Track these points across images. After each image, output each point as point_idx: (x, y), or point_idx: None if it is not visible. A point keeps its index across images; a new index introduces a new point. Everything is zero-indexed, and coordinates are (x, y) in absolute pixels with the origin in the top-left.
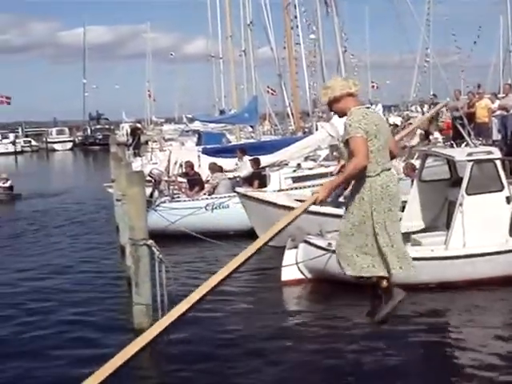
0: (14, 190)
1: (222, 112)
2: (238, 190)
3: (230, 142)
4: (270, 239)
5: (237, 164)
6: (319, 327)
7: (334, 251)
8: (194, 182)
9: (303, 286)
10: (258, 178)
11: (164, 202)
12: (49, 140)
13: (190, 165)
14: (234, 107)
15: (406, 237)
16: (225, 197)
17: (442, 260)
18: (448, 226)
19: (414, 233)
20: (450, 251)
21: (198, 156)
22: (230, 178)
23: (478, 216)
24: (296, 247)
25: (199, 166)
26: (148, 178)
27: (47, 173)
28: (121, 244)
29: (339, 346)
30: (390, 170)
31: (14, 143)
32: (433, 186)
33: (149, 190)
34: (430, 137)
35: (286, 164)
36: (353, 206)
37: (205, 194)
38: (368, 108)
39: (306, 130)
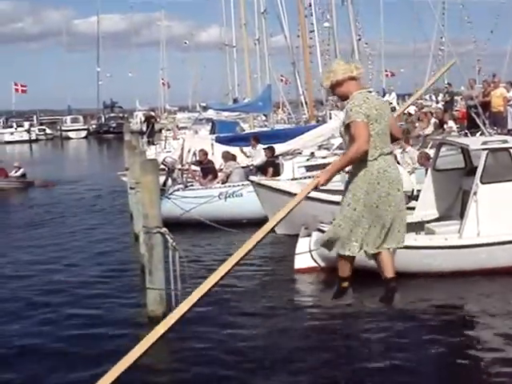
0: (26, 178)
1: (235, 100)
2: (252, 178)
3: (244, 131)
4: (274, 226)
5: (249, 152)
6: (332, 315)
7: None
8: (208, 171)
9: (316, 274)
10: (272, 167)
11: (177, 190)
12: (63, 128)
13: (203, 153)
14: (248, 96)
15: (420, 226)
16: (238, 185)
17: (456, 249)
18: (462, 215)
19: (428, 222)
20: (463, 240)
21: (212, 144)
22: (243, 167)
23: (493, 205)
24: (309, 235)
25: (212, 154)
26: (161, 167)
27: (61, 161)
28: (134, 232)
29: (351, 334)
30: (389, 154)
31: (28, 131)
32: (447, 175)
33: (162, 179)
34: (445, 126)
35: (300, 153)
36: (348, 189)
37: (218, 182)
38: (370, 92)
39: (320, 118)
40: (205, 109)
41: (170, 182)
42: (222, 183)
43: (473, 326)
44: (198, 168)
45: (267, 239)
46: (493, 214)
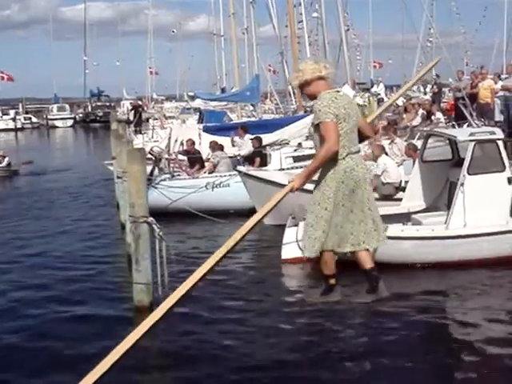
0: (11, 167)
1: (223, 90)
2: (240, 168)
3: (232, 121)
4: (247, 233)
5: (235, 141)
6: (317, 305)
7: None
8: (195, 160)
9: (303, 264)
10: (259, 157)
11: (164, 179)
12: (49, 117)
13: (191, 143)
14: (236, 85)
15: (407, 216)
16: (225, 175)
17: (443, 240)
18: (449, 206)
19: (415, 213)
20: (450, 231)
21: (199, 134)
22: (230, 157)
23: (479, 196)
24: (296, 225)
25: (200, 143)
26: (148, 156)
27: (47, 150)
28: (121, 221)
29: (337, 324)
30: (357, 153)
31: (14, 120)
32: (434, 166)
33: (149, 168)
34: (432, 117)
35: (287, 143)
36: (318, 187)
37: (205, 172)
38: (338, 92)
39: (308, 109)
40: (192, 98)
41: (156, 171)
42: (209, 173)
43: (459, 317)
44: (184, 158)
45: (255, 229)
46: (479, 205)
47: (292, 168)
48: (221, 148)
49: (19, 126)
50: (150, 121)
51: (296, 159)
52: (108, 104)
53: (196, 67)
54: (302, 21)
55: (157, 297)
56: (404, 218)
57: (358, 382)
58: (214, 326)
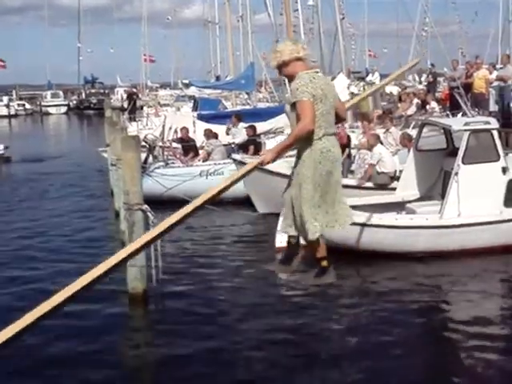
0: (4, 154)
1: (217, 78)
2: (235, 156)
3: (226, 109)
4: (213, 197)
5: (229, 129)
6: (309, 292)
7: None
8: (189, 148)
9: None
10: (254, 145)
11: (158, 167)
12: (43, 103)
13: (185, 131)
14: (231, 73)
15: (401, 205)
16: (220, 163)
17: (437, 229)
18: (443, 195)
19: (409, 202)
20: (444, 220)
21: (194, 122)
22: (225, 145)
23: (474, 186)
24: None
25: (194, 131)
26: (142, 144)
27: (41, 136)
28: (115, 209)
29: (329, 312)
30: (333, 134)
31: (7, 106)
32: (429, 155)
33: (143, 156)
34: (427, 106)
35: (282, 131)
36: (296, 168)
37: (199, 160)
38: (316, 72)
39: None
40: (187, 86)
41: (150, 159)
42: (204, 161)
43: (452, 306)
44: (179, 145)
45: (249, 218)
46: (474, 194)
47: (286, 156)
48: (215, 136)
49: (13, 112)
50: (145, 108)
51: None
52: (102, 91)
53: (191, 55)
54: (297, 9)
55: (151, 284)
56: (398, 207)
57: (350, 375)
58: (206, 317)
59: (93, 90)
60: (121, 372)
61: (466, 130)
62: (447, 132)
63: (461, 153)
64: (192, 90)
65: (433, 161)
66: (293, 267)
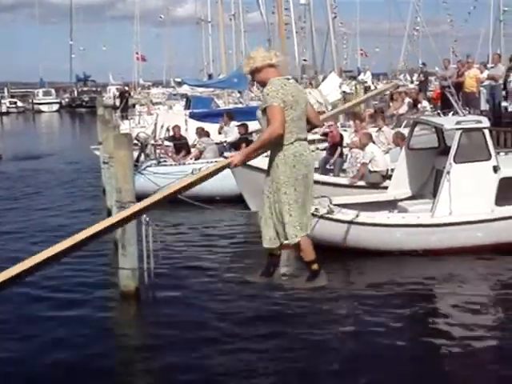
0: None
1: (210, 76)
2: (227, 154)
3: (219, 107)
4: (171, 195)
5: (222, 128)
6: (303, 295)
7: (320, 216)
8: (181, 146)
9: (288, 251)
10: (246, 144)
11: (150, 165)
12: (35, 101)
13: (177, 129)
14: (223, 72)
15: (393, 204)
16: (212, 162)
17: (428, 227)
18: (435, 194)
19: (400, 200)
20: (435, 219)
21: (186, 120)
22: (217, 143)
23: (465, 184)
24: None
25: (186, 130)
26: (135, 142)
27: (33, 134)
28: (107, 207)
29: (321, 311)
30: (304, 139)
31: None
32: (421, 154)
33: (135, 154)
34: (419, 105)
35: None
36: (270, 176)
37: (191, 158)
38: (288, 79)
39: None
40: (179, 84)
41: (142, 157)
42: (196, 159)
43: (443, 304)
44: (170, 144)
45: (244, 217)
46: (465, 193)
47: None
48: (207, 134)
49: (4, 110)
50: (137, 106)
51: None
52: (94, 89)
53: (183, 53)
54: (289, 8)
55: (143, 282)
56: (390, 205)
57: (344, 371)
58: (198, 317)
59: (85, 88)
60: (111, 373)
61: (457, 129)
62: (439, 131)
63: (452, 151)
64: (184, 89)
65: (424, 159)
66: (274, 278)
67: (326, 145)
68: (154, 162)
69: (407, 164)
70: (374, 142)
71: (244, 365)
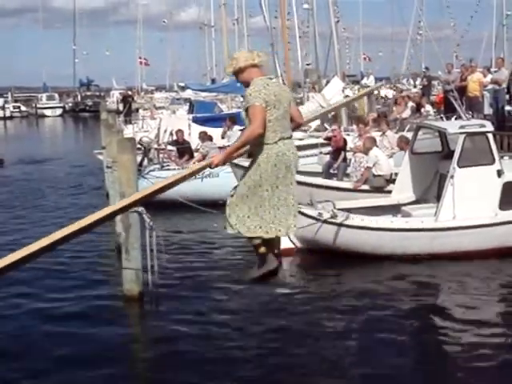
0: None
1: (213, 81)
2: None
3: (222, 111)
4: (153, 194)
5: (225, 132)
6: (307, 295)
7: (324, 221)
8: (184, 151)
9: (293, 255)
10: None
11: (153, 170)
12: (38, 106)
13: (180, 133)
14: (226, 76)
15: (397, 208)
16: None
17: (432, 231)
18: (438, 198)
19: (404, 204)
20: (439, 223)
21: (189, 124)
22: (220, 147)
23: (469, 189)
24: None
25: (189, 134)
26: (138, 146)
27: (36, 139)
28: None
29: (326, 315)
30: (289, 138)
31: (2, 108)
32: (424, 158)
33: (138, 158)
34: (422, 110)
35: None
36: (250, 170)
37: (194, 162)
38: (271, 79)
39: (298, 100)
40: (183, 89)
41: (146, 161)
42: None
43: (446, 308)
44: (174, 148)
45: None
46: (469, 197)
47: None
48: (210, 138)
49: (8, 114)
50: (140, 111)
51: None
52: (98, 94)
53: (186, 58)
54: (291, 12)
55: (146, 286)
56: (394, 209)
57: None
58: (201, 320)
59: (88, 93)
60: (115, 373)
61: (461, 133)
62: (442, 135)
63: (456, 156)
64: (188, 93)
65: (428, 164)
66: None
67: (329, 149)
68: (158, 166)
69: (411, 168)
70: (377, 146)
71: (248, 372)
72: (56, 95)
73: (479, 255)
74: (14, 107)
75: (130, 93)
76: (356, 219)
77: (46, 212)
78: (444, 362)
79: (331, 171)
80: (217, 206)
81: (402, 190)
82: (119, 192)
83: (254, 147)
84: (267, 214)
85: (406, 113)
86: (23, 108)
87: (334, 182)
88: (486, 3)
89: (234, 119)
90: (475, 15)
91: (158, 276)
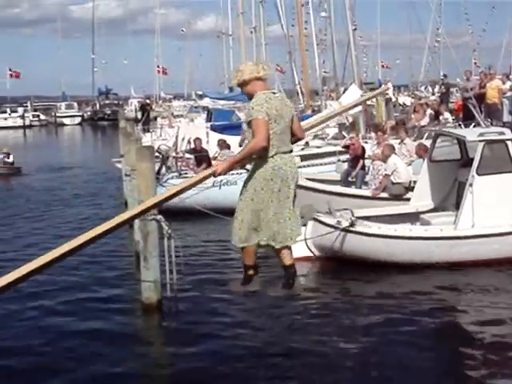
0: (14, 164)
1: (231, 89)
2: (248, 167)
3: (240, 120)
4: (161, 202)
5: (243, 141)
6: (324, 304)
7: (342, 229)
8: (202, 159)
9: (311, 263)
10: None
11: (172, 178)
12: (57, 114)
13: (198, 141)
14: None
15: (415, 216)
16: (233, 174)
17: (451, 240)
18: (457, 206)
19: (423, 212)
20: (459, 231)
21: (207, 132)
22: None
23: (488, 197)
24: (305, 225)
25: (207, 142)
26: (156, 154)
27: (55, 147)
28: None
29: (344, 323)
30: (287, 153)
31: (22, 117)
32: (443, 166)
33: (156, 166)
34: (440, 117)
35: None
36: (248, 183)
37: None
38: (274, 93)
39: (316, 108)
40: (201, 97)
41: (164, 169)
42: None
43: (467, 317)
44: (191, 156)
45: None
46: (488, 205)
47: (299, 167)
48: (228, 147)
49: (27, 123)
50: (158, 119)
51: (303, 158)
52: (116, 102)
53: (204, 66)
54: (308, 20)
55: (165, 294)
56: (412, 217)
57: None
58: (220, 329)
59: (107, 101)
60: (134, 380)
61: (480, 141)
62: (461, 142)
63: (475, 163)
64: (206, 101)
65: (447, 171)
66: (294, 289)
67: (347, 157)
68: (176, 174)
69: (429, 176)
70: (396, 154)
71: (266, 380)
72: (75, 104)
73: (499, 263)
74: (34, 116)
75: (148, 101)
76: (374, 227)
77: (64, 220)
78: (463, 369)
79: (349, 179)
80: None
81: (421, 198)
82: (138, 200)
83: (252, 160)
84: (261, 225)
85: (425, 120)
86: (42, 117)
87: (352, 190)
88: (501, 10)
89: None
90: (493, 22)
91: (177, 284)
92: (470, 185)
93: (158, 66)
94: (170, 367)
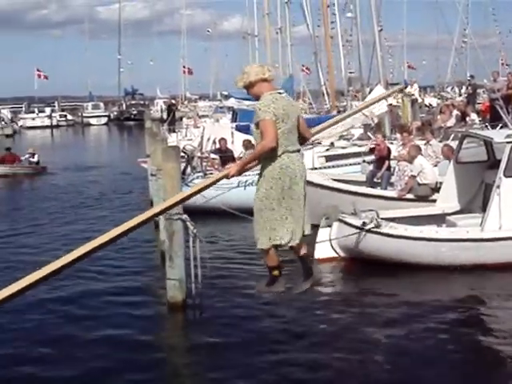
0: (40, 164)
1: None
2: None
3: None
4: (176, 204)
5: None
6: (349, 304)
7: (368, 230)
8: (227, 159)
9: (336, 264)
10: None
11: (197, 178)
12: (84, 114)
13: (223, 142)
14: None
15: (441, 218)
16: (258, 174)
17: (478, 242)
18: (484, 208)
19: (449, 214)
20: (485, 233)
21: (232, 133)
22: None
23: None
24: (330, 226)
25: (232, 142)
26: (181, 154)
27: (82, 147)
28: (155, 219)
29: (369, 324)
30: (295, 152)
31: (50, 117)
32: (469, 167)
33: (182, 166)
34: (467, 118)
35: (319, 142)
36: (258, 183)
37: None
38: (280, 93)
39: (341, 109)
40: (226, 97)
41: (189, 169)
42: None
43: (492, 320)
44: (216, 156)
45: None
46: None
47: (324, 167)
48: (253, 147)
49: (55, 123)
50: (184, 119)
51: (328, 158)
52: (142, 102)
53: (230, 67)
54: (334, 21)
55: (190, 293)
56: (438, 219)
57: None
58: (245, 329)
59: (133, 102)
60: (158, 379)
61: (508, 143)
62: (488, 144)
63: (502, 165)
64: (231, 102)
65: (473, 173)
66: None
67: (372, 158)
68: (201, 174)
69: (456, 177)
70: (422, 155)
71: (294, 377)
72: (101, 104)
73: None
74: (61, 116)
75: (173, 101)
76: (400, 229)
77: (89, 219)
78: (489, 375)
79: (375, 180)
80: None
81: (447, 200)
82: (163, 200)
83: (263, 160)
84: (275, 224)
85: (451, 121)
86: (69, 117)
87: (377, 191)
88: None
89: None
90: None
91: (202, 283)
92: (497, 187)
93: (184, 67)
94: (195, 363)
